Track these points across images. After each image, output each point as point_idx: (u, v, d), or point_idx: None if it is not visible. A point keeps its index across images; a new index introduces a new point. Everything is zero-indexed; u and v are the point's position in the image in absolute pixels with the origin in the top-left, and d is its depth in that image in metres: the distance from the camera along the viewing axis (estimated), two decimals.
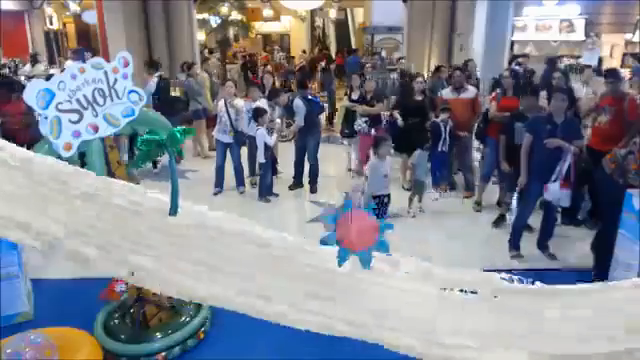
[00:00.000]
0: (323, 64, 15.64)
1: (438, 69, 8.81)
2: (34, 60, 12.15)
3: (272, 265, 1.35)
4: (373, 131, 6.77)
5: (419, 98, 6.44)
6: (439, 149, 5.94)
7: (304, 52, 18.97)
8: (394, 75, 10.02)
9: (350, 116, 7.10)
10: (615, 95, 5.18)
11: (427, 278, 1.33)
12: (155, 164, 7.52)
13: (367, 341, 1.32)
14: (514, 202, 5.60)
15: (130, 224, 1.36)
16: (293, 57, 15.52)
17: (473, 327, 1.30)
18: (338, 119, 7.79)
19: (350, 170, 7.51)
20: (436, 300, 1.32)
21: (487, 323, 1.30)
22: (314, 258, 1.34)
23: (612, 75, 5.49)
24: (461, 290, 1.32)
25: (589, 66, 7.65)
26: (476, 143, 6.92)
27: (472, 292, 1.32)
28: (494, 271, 1.35)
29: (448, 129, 5.94)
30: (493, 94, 6.28)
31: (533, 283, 1.32)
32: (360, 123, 6.83)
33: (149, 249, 1.35)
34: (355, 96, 7.12)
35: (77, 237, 1.35)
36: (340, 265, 1.25)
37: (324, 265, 1.32)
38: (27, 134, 5.36)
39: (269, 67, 12.15)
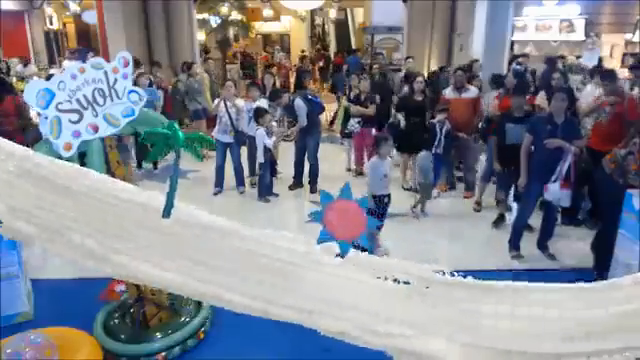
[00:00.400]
0: (321, 64, 15.54)
1: (441, 70, 8.87)
2: (25, 62, 12.07)
3: (223, 252, 1.37)
4: (374, 131, 6.76)
5: (419, 98, 6.43)
6: (434, 150, 5.91)
7: (303, 52, 18.97)
8: (400, 75, 9.92)
9: (349, 116, 7.10)
10: (614, 95, 5.18)
11: (363, 267, 1.36)
12: (155, 165, 7.52)
13: (305, 326, 1.35)
14: (510, 200, 5.62)
15: (123, 222, 1.36)
16: (305, 56, 15.49)
17: (406, 316, 1.33)
18: (338, 119, 7.77)
19: (350, 170, 7.52)
20: (371, 288, 1.35)
21: (419, 313, 1.33)
22: (267, 248, 1.36)
23: (608, 77, 5.50)
24: (395, 280, 1.34)
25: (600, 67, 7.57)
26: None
27: (405, 282, 1.34)
28: (494, 271, 1.36)
29: (444, 130, 5.93)
30: (496, 93, 6.29)
31: (465, 277, 1.33)
32: (353, 123, 6.80)
33: (136, 245, 1.35)
34: (352, 96, 7.12)
35: (67, 231, 1.34)
36: (319, 243, 1.26)
37: (274, 254, 1.35)
38: (21, 136, 5.35)
39: (274, 69, 11.99)
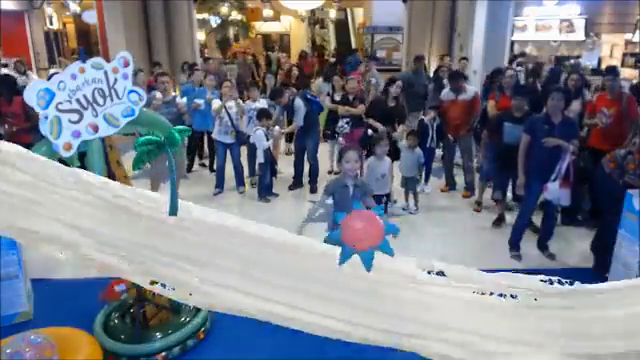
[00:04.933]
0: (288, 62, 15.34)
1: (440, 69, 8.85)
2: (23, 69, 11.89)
3: (283, 266, 1.31)
4: (370, 131, 6.74)
5: (392, 104, 6.37)
6: (428, 145, 6.23)
7: (294, 65, 18.87)
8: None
9: (332, 118, 7.04)
10: (613, 94, 5.18)
11: (463, 283, 1.28)
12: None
13: (401, 349, 1.28)
14: (509, 200, 5.63)
15: (127, 224, 1.34)
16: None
17: (516, 332, 1.27)
18: (321, 121, 7.64)
19: (331, 173, 7.32)
20: (476, 306, 1.28)
21: (529, 327, 1.27)
22: (326, 261, 1.29)
23: (612, 72, 5.48)
24: (500, 294, 1.27)
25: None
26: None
27: (511, 296, 1.27)
28: (495, 271, 1.33)
29: (435, 126, 6.26)
30: (491, 94, 6.31)
31: (572, 284, 1.27)
32: (342, 124, 6.77)
33: (147, 249, 1.34)
34: (338, 97, 7.08)
35: (154, 264, 1.32)
36: (341, 264, 1.22)
37: (343, 269, 1.26)
38: (28, 137, 5.35)
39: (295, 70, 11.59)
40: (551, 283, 1.27)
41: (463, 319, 1.27)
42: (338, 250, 1.27)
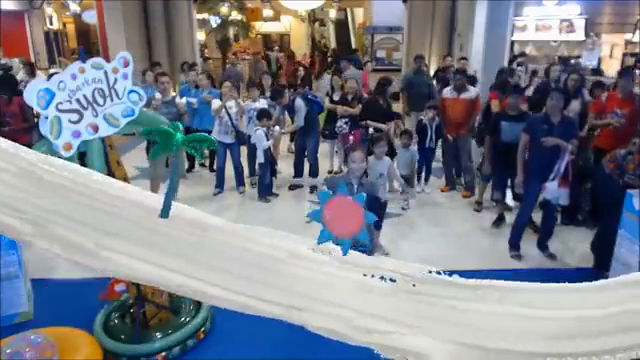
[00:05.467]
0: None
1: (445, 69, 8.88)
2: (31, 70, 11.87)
3: (185, 238, 1.38)
4: (372, 130, 6.74)
5: (384, 105, 6.35)
6: (427, 145, 6.36)
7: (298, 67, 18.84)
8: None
9: (331, 117, 7.02)
10: (624, 93, 5.16)
11: (351, 264, 1.36)
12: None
13: (292, 323, 1.36)
14: (509, 199, 5.64)
15: (31, 188, 1.35)
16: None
17: (391, 313, 1.34)
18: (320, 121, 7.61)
19: (331, 172, 7.32)
20: (357, 285, 1.35)
21: (405, 310, 1.34)
22: (250, 242, 1.37)
23: (626, 74, 5.45)
24: (381, 277, 1.35)
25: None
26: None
27: (391, 280, 1.35)
28: (493, 271, 1.36)
29: (435, 125, 6.32)
30: (491, 93, 6.33)
31: (451, 276, 1.34)
32: (341, 124, 6.76)
33: (51, 214, 1.35)
34: (336, 97, 7.07)
35: (54, 226, 1.35)
36: (319, 243, 1.28)
37: (256, 249, 1.36)
38: (26, 137, 5.35)
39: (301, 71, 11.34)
40: (430, 272, 1.34)
41: (346, 297, 1.35)
42: (237, 227, 1.37)
